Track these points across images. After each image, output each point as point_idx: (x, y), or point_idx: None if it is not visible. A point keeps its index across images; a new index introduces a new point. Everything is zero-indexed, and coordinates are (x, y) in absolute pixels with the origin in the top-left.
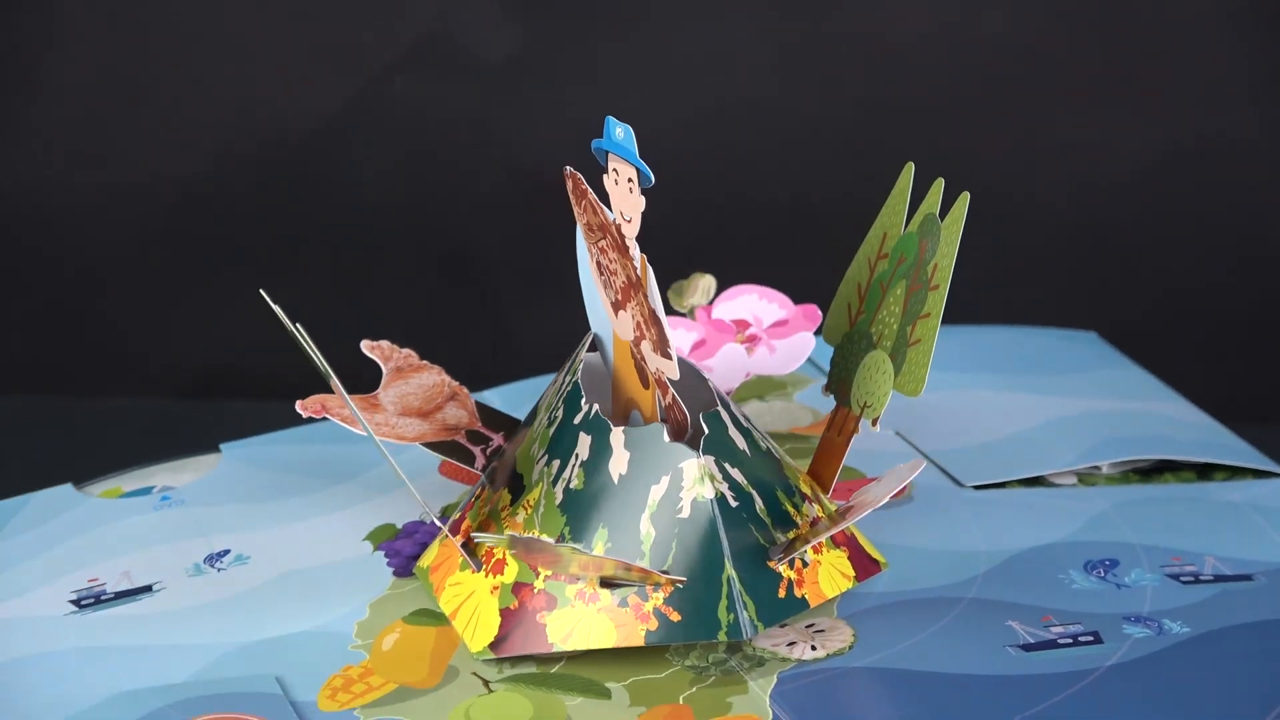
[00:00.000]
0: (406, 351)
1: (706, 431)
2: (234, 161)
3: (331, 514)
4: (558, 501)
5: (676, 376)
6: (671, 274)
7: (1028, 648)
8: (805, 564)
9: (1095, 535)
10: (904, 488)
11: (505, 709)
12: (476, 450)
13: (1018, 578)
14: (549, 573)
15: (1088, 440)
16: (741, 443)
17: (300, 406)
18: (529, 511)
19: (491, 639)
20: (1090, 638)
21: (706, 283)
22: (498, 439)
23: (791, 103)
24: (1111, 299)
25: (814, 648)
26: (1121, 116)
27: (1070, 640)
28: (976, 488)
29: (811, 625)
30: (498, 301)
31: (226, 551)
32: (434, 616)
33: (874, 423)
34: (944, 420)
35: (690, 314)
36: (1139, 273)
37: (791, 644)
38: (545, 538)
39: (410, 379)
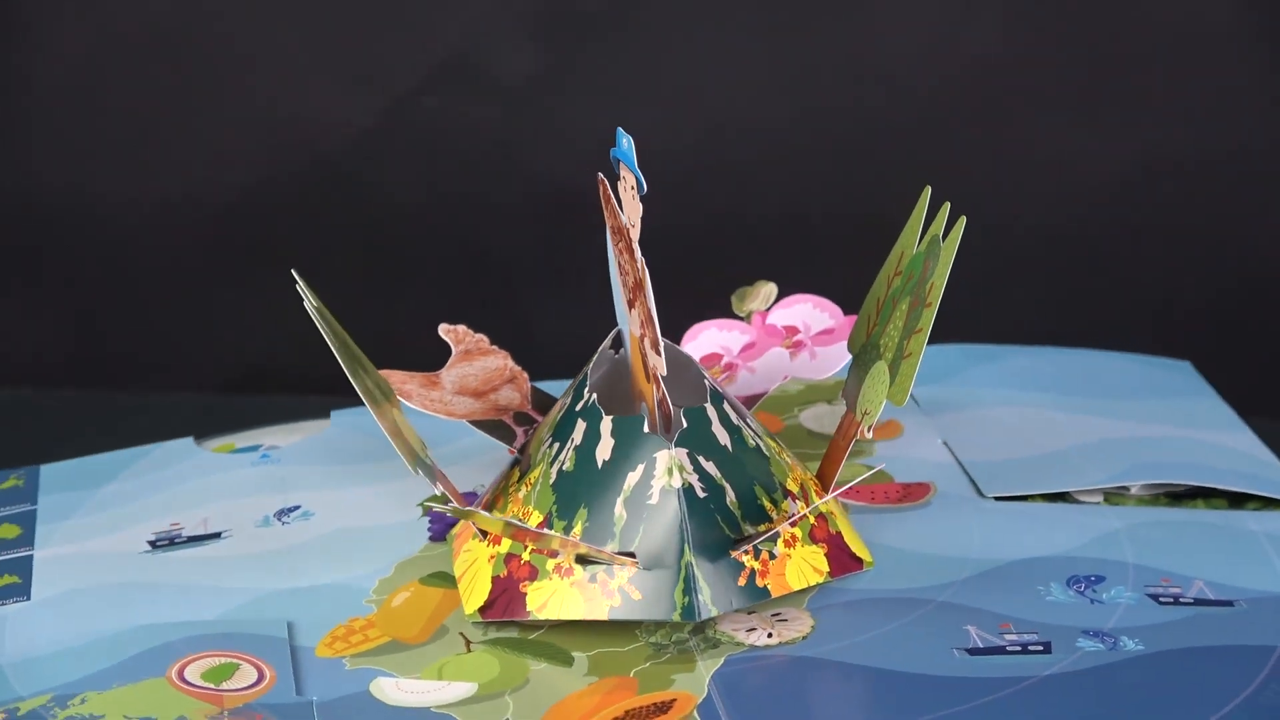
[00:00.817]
0: (479, 336)
1: (684, 425)
2: (273, 174)
3: (402, 480)
4: (551, 481)
5: (664, 373)
6: (676, 279)
7: (974, 652)
8: (773, 556)
9: (1093, 552)
10: (927, 491)
11: (475, 667)
12: (519, 431)
13: (995, 586)
14: (535, 546)
15: (1124, 462)
16: (725, 439)
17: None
18: (529, 488)
19: (482, 603)
20: (1040, 647)
21: (767, 290)
22: (540, 421)
23: (791, 117)
24: (1093, 303)
25: (770, 635)
26: (1103, 128)
27: (1019, 648)
28: (996, 498)
29: (777, 614)
30: (521, 305)
31: (296, 508)
32: (447, 580)
33: (868, 429)
34: (997, 435)
35: (748, 318)
36: (1121, 278)
37: (751, 630)
38: (526, 524)
39: (475, 361)
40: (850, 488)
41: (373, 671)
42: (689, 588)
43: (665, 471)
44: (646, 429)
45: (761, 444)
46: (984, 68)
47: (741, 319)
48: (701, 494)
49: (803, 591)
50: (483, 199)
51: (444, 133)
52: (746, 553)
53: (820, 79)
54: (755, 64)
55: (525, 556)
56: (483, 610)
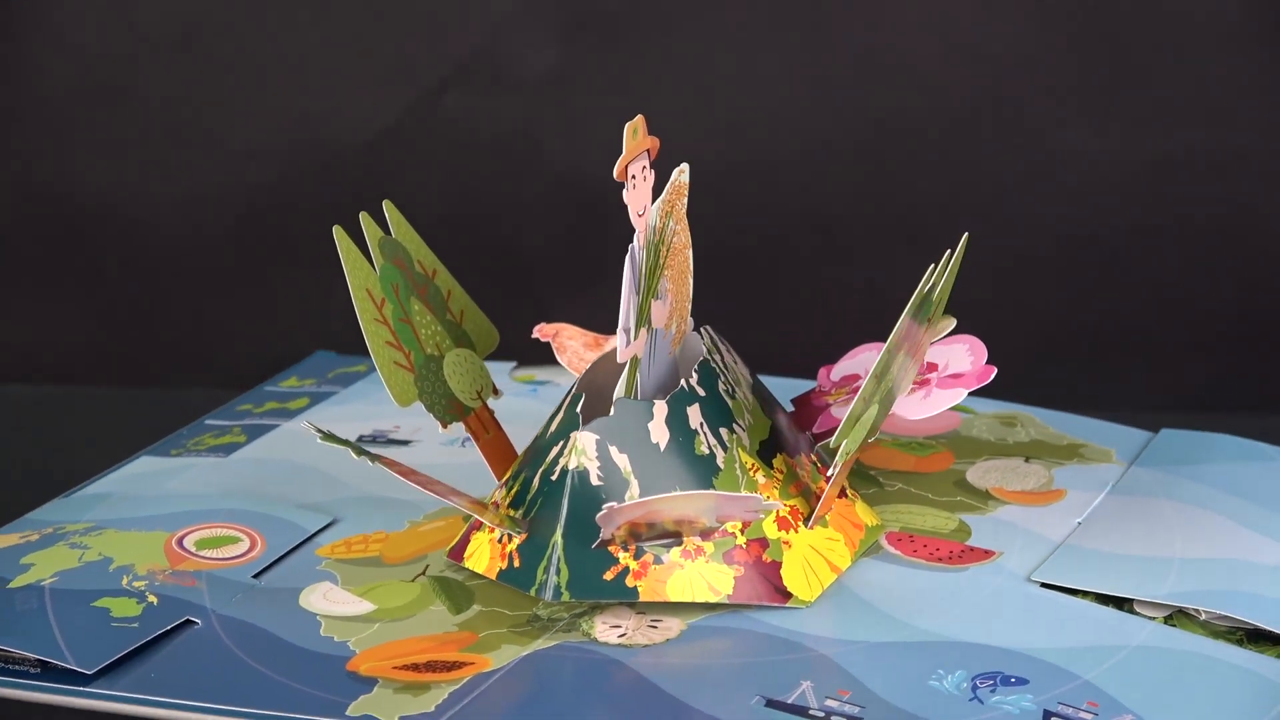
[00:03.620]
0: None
1: (611, 414)
2: (296, 172)
3: None
4: (526, 447)
5: (616, 359)
6: (695, 275)
7: (774, 705)
8: (659, 561)
9: (1056, 658)
10: (982, 558)
11: (394, 595)
12: None
13: (897, 657)
14: (492, 502)
15: (1207, 582)
16: (661, 438)
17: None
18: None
19: (451, 547)
20: None
21: (944, 324)
22: None
23: (811, 115)
24: (1113, 300)
25: (621, 635)
26: (1123, 126)
27: (822, 715)
28: (1042, 584)
29: (656, 623)
30: (542, 301)
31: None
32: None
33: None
34: (1125, 523)
35: None
36: (1131, 273)
37: (616, 626)
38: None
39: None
40: (903, 534)
41: (327, 574)
42: (549, 567)
43: (569, 452)
44: (579, 409)
45: (723, 458)
46: (1003, 66)
47: None
48: (596, 481)
49: (709, 606)
50: (503, 197)
51: (465, 131)
52: (626, 551)
53: (840, 77)
54: (775, 62)
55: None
56: (450, 552)
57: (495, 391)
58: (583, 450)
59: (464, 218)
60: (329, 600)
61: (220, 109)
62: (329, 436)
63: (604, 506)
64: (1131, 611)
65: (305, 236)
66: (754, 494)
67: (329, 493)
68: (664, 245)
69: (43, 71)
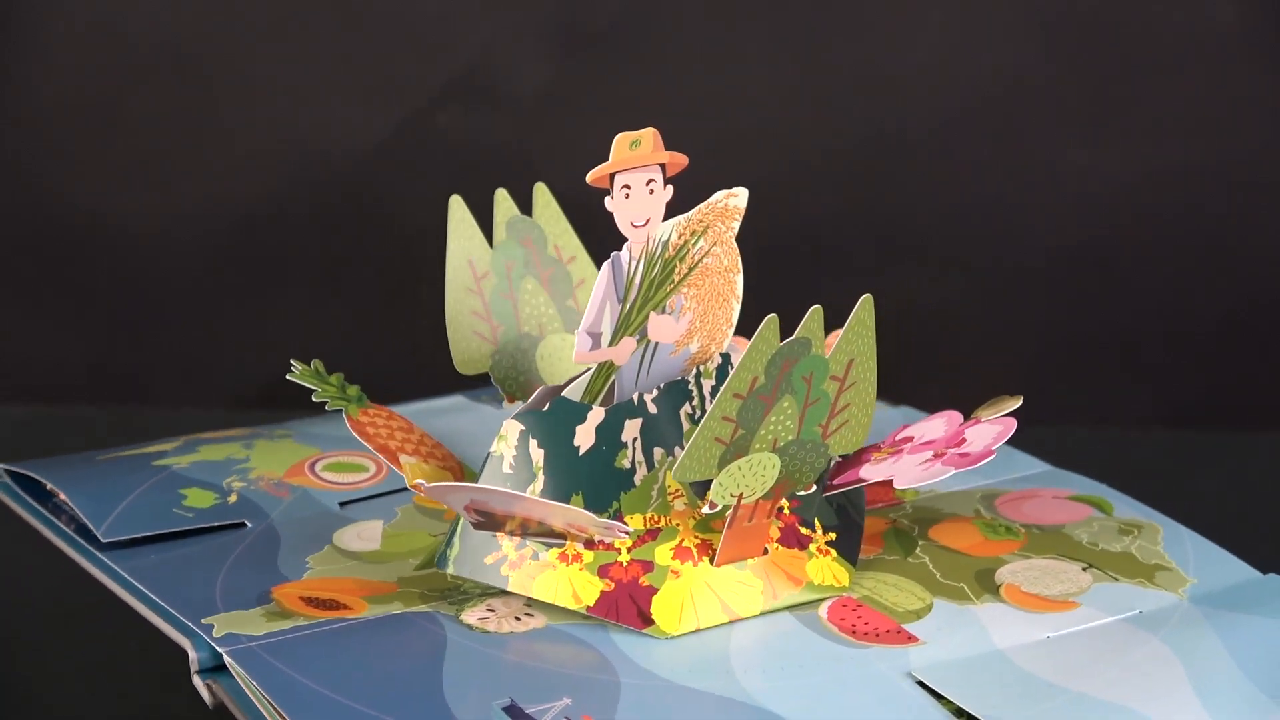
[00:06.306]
0: None
1: (546, 409)
2: (289, 189)
3: None
4: None
5: (572, 359)
6: None
7: (513, 712)
8: (536, 558)
9: None
10: (900, 639)
11: (410, 540)
12: None
13: (670, 702)
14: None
15: None
16: (584, 442)
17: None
18: None
19: None
20: None
21: (1008, 403)
22: None
23: (803, 132)
24: (1105, 316)
25: (481, 618)
26: (1115, 141)
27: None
28: (918, 681)
29: (525, 615)
30: None
31: None
32: None
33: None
34: (1084, 651)
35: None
36: (1123, 286)
37: (491, 610)
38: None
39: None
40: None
41: (385, 508)
42: (449, 540)
43: (497, 436)
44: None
45: (642, 476)
46: (996, 82)
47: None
48: (508, 470)
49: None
50: None
51: (458, 147)
52: (512, 540)
53: (834, 93)
54: (768, 78)
55: None
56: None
57: None
58: (505, 437)
59: None
60: (359, 538)
61: (213, 126)
62: (305, 374)
63: (440, 483)
64: None
65: (299, 253)
66: (614, 521)
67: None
68: (680, 261)
69: (35, 88)
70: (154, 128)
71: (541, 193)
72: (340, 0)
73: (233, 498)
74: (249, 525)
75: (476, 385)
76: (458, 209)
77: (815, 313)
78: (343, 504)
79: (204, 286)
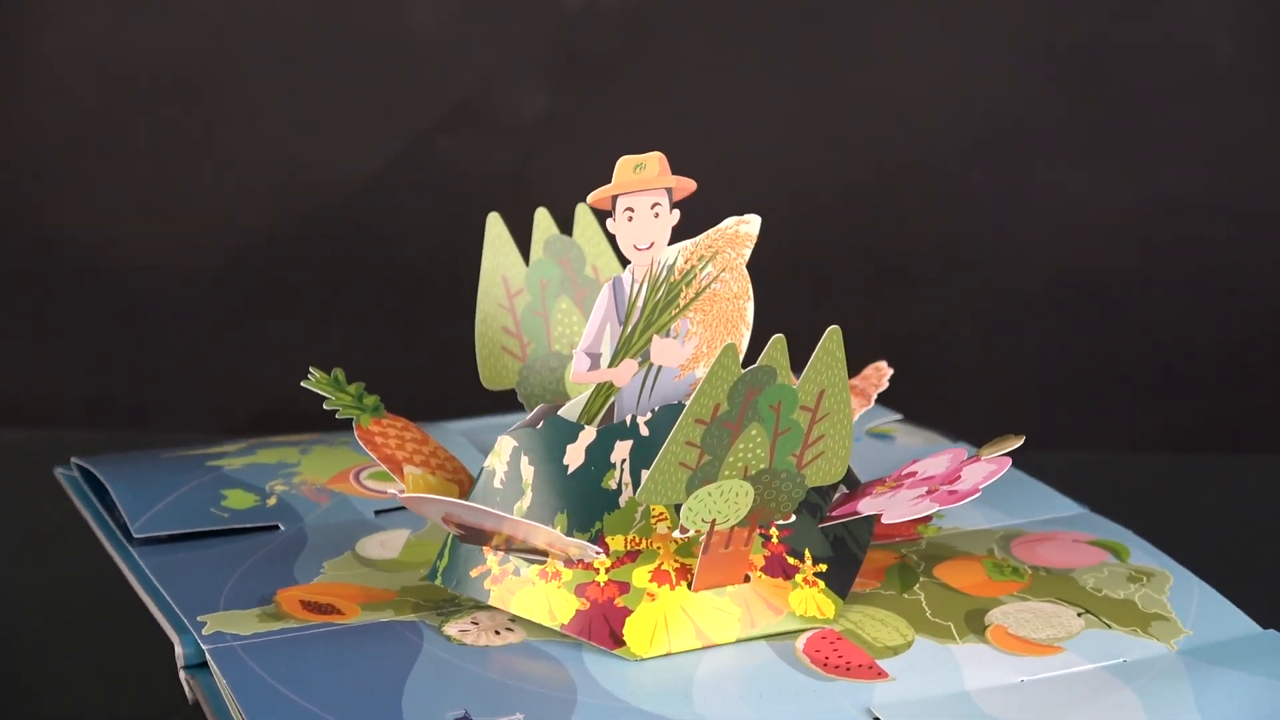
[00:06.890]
0: None
1: (539, 426)
2: (289, 216)
3: None
4: None
5: (569, 377)
6: None
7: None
8: (518, 574)
9: None
10: (862, 665)
11: (426, 550)
12: None
13: None
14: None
15: None
16: (574, 460)
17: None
18: None
19: None
20: None
21: (1011, 442)
22: None
23: (802, 158)
24: (1104, 343)
25: (463, 630)
26: (1109, 168)
27: None
28: (874, 718)
29: (505, 630)
30: None
31: None
32: None
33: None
34: (1053, 696)
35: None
36: (1121, 313)
37: (468, 618)
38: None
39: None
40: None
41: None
42: (441, 552)
43: (493, 451)
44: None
45: (627, 498)
46: (996, 111)
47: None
48: (499, 485)
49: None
50: None
51: (458, 174)
52: (496, 555)
53: (832, 122)
54: (766, 105)
55: None
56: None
57: None
58: (499, 452)
59: (455, 258)
60: (382, 546)
61: (212, 154)
62: (320, 381)
63: (416, 494)
64: None
65: (300, 280)
66: (588, 543)
67: None
68: (686, 286)
69: (35, 117)
70: (155, 157)
71: (583, 214)
72: (340, 28)
73: (272, 500)
74: (281, 528)
75: (481, 412)
76: (494, 225)
77: (777, 341)
78: (378, 512)
79: (205, 313)
